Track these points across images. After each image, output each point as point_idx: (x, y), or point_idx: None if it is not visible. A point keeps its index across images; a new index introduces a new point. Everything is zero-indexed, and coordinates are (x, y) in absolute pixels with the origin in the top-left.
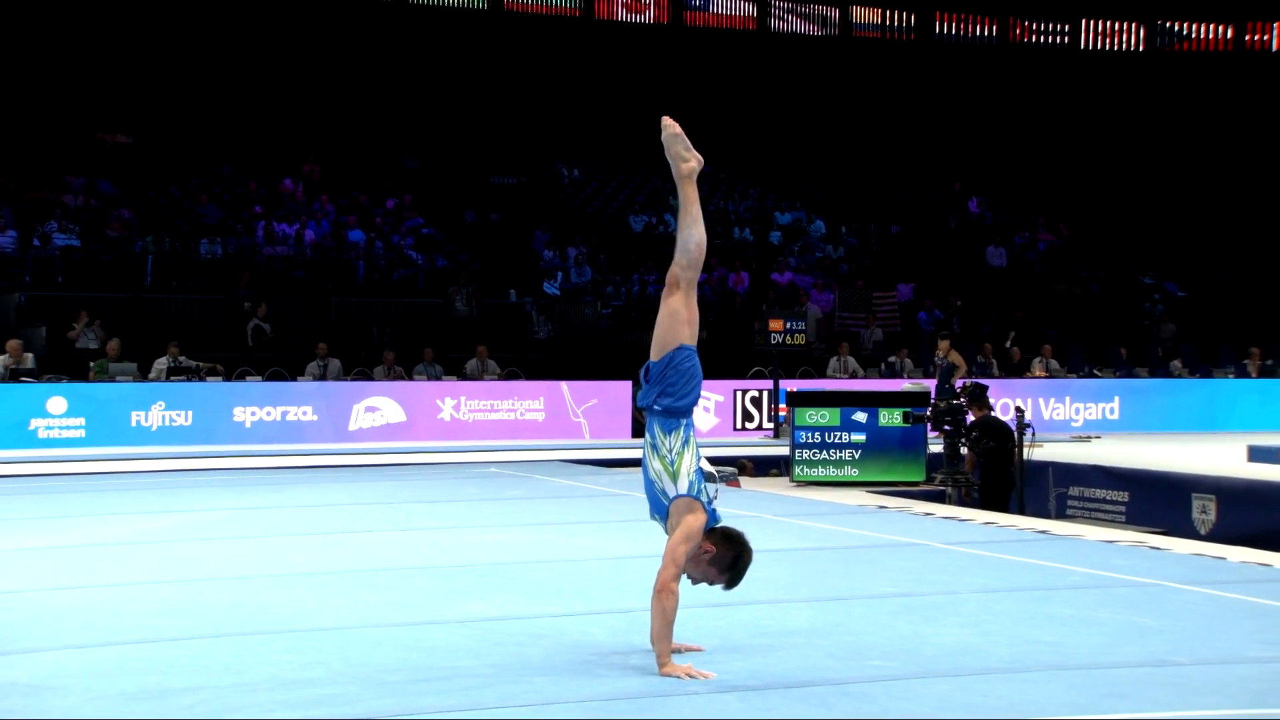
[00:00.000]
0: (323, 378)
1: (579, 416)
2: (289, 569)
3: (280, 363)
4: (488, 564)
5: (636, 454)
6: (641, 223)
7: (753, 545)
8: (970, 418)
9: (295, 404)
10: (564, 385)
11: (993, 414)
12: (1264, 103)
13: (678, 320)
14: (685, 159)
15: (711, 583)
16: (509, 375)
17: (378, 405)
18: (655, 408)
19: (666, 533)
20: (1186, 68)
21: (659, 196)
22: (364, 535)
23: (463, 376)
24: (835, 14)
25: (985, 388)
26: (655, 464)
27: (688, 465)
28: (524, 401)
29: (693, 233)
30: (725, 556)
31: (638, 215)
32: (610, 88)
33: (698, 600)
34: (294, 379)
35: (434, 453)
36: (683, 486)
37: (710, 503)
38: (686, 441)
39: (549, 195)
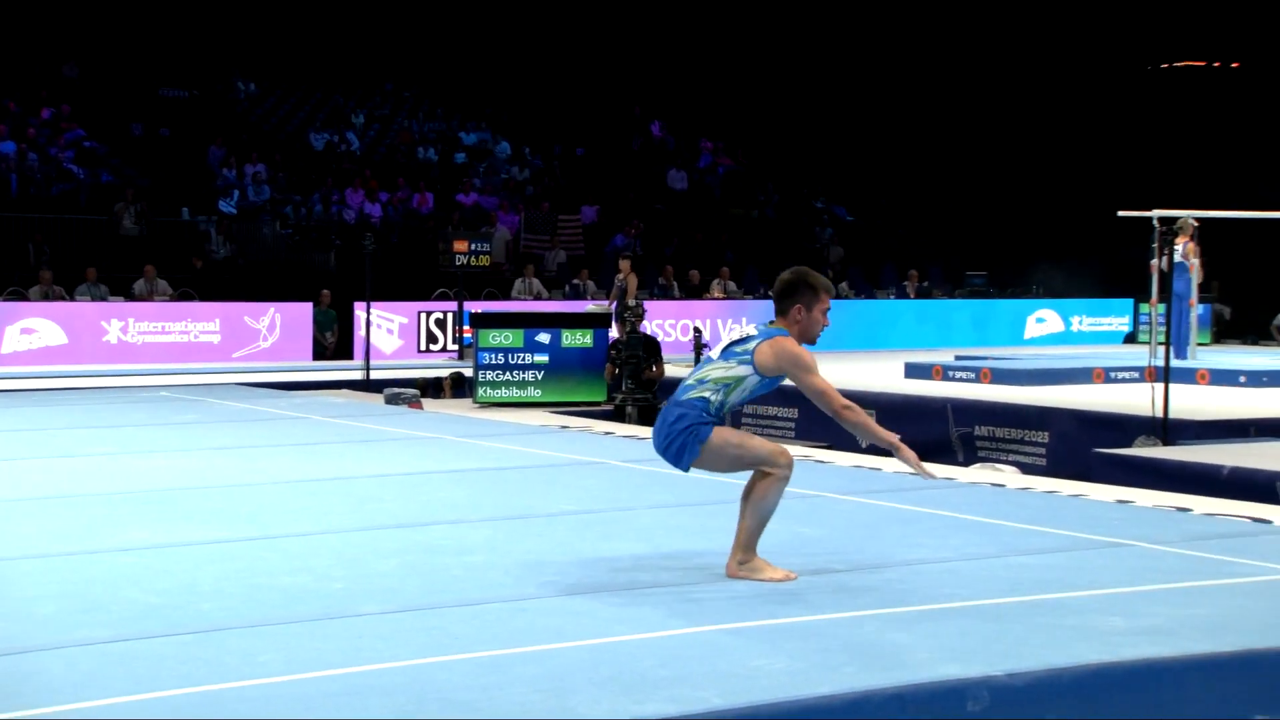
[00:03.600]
0: None
1: (260, 327)
2: None
3: None
4: (155, 490)
5: (316, 376)
6: (323, 141)
7: (440, 465)
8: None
9: None
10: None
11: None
12: (922, 34)
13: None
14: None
15: (817, 324)
16: (182, 296)
17: (34, 327)
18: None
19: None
20: None
21: (340, 114)
22: (16, 463)
23: (130, 297)
24: None
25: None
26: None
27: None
28: (198, 324)
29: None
30: (807, 299)
31: (319, 133)
32: (310, 4)
33: (375, 522)
34: None
35: (99, 377)
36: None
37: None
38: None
39: (224, 110)
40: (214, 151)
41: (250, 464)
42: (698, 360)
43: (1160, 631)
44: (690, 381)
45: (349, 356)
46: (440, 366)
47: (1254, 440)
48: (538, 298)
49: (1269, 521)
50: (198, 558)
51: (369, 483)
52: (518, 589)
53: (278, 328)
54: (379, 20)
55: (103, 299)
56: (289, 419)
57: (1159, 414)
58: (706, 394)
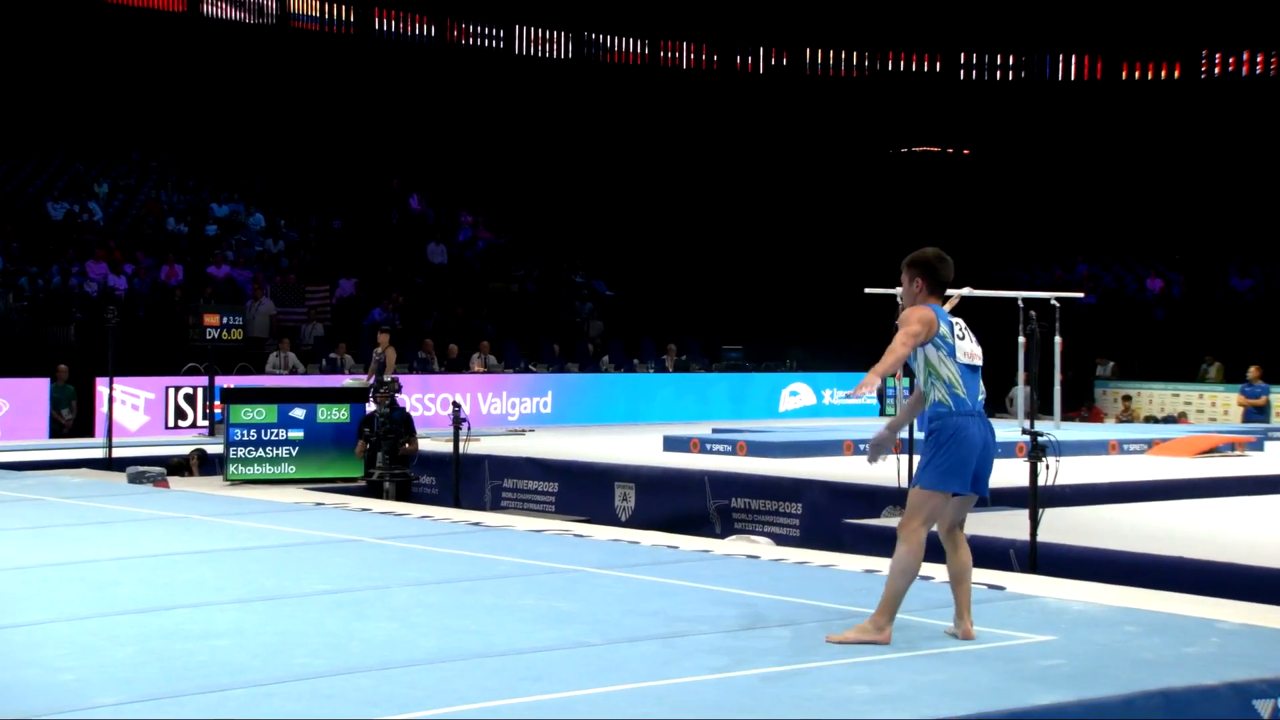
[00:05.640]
0: None
1: None
2: None
3: None
4: None
5: (53, 455)
6: (62, 210)
7: (185, 545)
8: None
9: None
10: None
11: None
12: (674, 117)
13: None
14: None
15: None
16: None
17: None
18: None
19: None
20: (608, 78)
21: (82, 183)
22: None
23: None
24: (272, 3)
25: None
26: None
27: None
28: None
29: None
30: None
31: (58, 202)
32: (23, 64)
33: (112, 608)
34: None
35: None
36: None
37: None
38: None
39: None
40: None
41: None
42: (457, 433)
43: (902, 698)
44: (930, 394)
45: (90, 434)
46: (190, 443)
47: (990, 509)
48: (293, 372)
49: (1003, 588)
50: None
51: (107, 566)
52: (265, 673)
53: (9, 405)
54: (124, 86)
55: None
56: (20, 501)
57: (905, 485)
58: (940, 394)
